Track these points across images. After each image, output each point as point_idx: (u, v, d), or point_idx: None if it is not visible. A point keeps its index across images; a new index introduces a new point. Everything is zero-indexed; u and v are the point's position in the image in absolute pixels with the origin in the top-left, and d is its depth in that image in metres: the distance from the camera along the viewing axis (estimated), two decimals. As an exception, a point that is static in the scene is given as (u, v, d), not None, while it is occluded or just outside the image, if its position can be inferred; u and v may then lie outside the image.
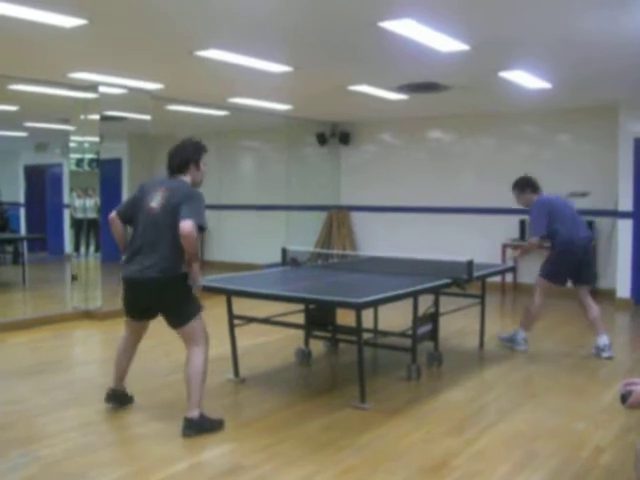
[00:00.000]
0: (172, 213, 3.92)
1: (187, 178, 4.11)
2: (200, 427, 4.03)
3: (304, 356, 5.82)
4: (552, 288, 6.05)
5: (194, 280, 4.02)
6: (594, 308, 5.96)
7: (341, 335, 5.70)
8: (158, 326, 4.33)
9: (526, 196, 6.03)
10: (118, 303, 5.36)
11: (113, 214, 4.23)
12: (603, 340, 5.89)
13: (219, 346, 5.85)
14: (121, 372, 4.47)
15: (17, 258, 11.46)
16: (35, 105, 9.23)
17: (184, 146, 4.15)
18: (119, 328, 4.60)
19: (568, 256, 5.88)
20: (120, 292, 4.46)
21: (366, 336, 5.33)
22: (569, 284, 6.06)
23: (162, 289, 4.00)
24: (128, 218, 4.19)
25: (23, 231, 14.70)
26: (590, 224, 9.20)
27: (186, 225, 3.79)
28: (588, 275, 6.07)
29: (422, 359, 5.44)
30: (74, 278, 8.33)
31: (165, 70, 7.05)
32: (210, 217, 12.28)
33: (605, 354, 5.86)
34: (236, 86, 8.00)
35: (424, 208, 10.65)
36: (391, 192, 11.01)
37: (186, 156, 4.11)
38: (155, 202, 4.01)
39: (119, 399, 4.49)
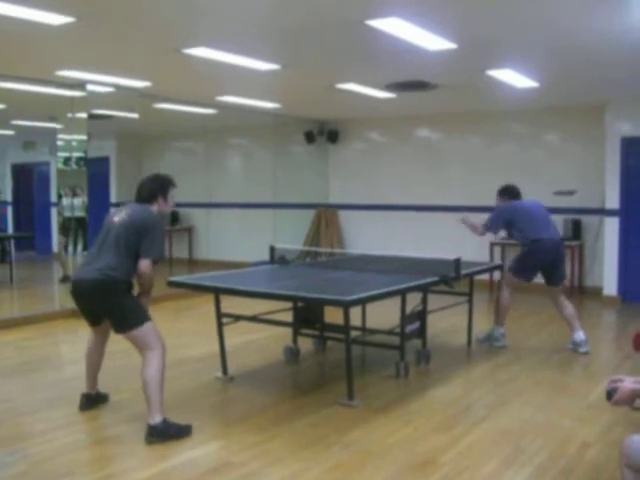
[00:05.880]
0: (127, 232, 4.04)
1: (154, 207, 4.23)
2: (164, 433, 3.89)
3: (292, 354, 5.82)
4: (520, 284, 6.30)
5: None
6: (568, 306, 6.19)
7: (329, 333, 5.70)
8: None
9: (502, 201, 6.39)
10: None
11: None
12: (579, 335, 6.07)
13: (207, 344, 5.87)
14: (93, 374, 4.48)
15: (4, 257, 11.40)
16: (22, 103, 9.17)
17: (154, 179, 4.32)
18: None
19: (535, 255, 6.14)
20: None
21: (354, 334, 5.34)
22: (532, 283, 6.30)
23: (101, 291, 4.02)
24: None
25: (11, 230, 14.61)
26: (577, 222, 9.31)
27: (143, 265, 4.01)
28: (560, 276, 6.28)
29: (410, 357, 5.46)
30: (64, 279, 8.28)
31: (153, 68, 7.03)
32: (197, 215, 12.51)
33: (582, 349, 6.02)
34: (224, 84, 7.98)
35: (412, 206, 10.66)
36: (379, 190, 11.03)
37: (154, 188, 4.25)
38: (117, 217, 4.15)
39: (94, 402, 4.50)
